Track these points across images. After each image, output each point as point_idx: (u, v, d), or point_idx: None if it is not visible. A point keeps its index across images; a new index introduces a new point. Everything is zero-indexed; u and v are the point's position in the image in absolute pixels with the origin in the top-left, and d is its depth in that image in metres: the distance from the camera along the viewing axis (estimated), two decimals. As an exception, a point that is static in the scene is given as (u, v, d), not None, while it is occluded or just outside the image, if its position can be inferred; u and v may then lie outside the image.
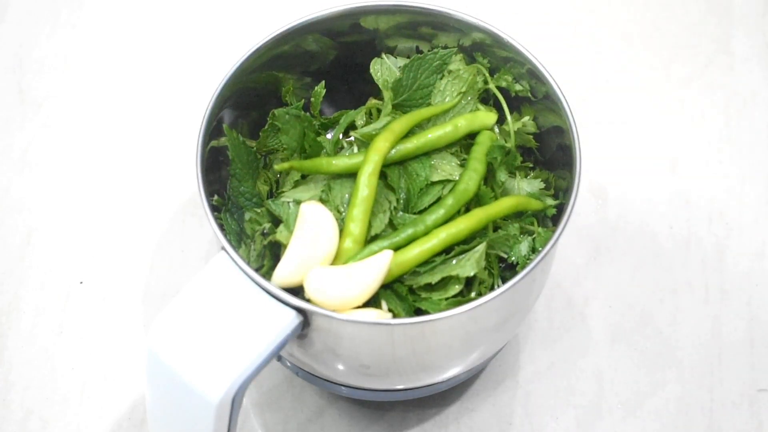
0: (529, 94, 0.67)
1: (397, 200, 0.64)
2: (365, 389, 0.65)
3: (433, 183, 0.65)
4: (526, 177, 0.68)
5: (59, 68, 0.87)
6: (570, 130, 0.62)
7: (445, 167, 0.66)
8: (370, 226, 0.62)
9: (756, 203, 0.80)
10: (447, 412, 0.71)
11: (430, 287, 0.62)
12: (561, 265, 0.76)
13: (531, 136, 0.68)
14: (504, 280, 0.63)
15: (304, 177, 0.66)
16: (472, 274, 0.61)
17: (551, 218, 0.66)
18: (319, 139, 0.67)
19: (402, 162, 0.65)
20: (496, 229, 0.65)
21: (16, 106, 0.85)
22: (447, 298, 0.61)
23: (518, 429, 0.70)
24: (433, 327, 0.57)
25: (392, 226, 0.63)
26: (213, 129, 0.64)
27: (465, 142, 0.68)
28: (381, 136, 0.64)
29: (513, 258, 0.64)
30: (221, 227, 0.62)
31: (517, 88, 0.67)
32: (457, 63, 0.68)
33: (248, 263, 0.57)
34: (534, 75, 0.65)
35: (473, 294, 0.63)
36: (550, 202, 0.66)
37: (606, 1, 0.91)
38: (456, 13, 0.66)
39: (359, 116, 0.69)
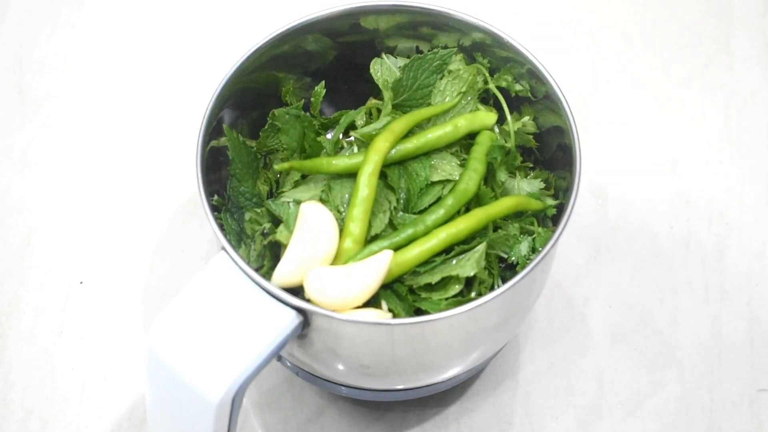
0: (529, 94, 0.67)
1: (397, 200, 0.64)
2: (365, 389, 0.65)
3: (433, 183, 0.65)
4: (526, 177, 0.68)
5: (59, 68, 0.87)
6: (570, 130, 0.62)
7: (445, 167, 0.66)
8: (370, 226, 0.62)
9: (756, 203, 0.80)
10: (447, 412, 0.71)
11: (430, 287, 0.62)
12: (561, 265, 0.76)
13: (531, 136, 0.68)
14: (504, 280, 0.63)
15: (304, 177, 0.66)
16: (472, 274, 0.61)
17: (551, 218, 0.66)
18: (319, 139, 0.67)
19: (402, 162, 0.65)
20: (496, 229, 0.65)
21: (16, 106, 0.85)
22: (447, 298, 0.61)
23: (518, 429, 0.70)
24: (433, 327, 0.57)
25: (392, 226, 0.63)
26: (213, 129, 0.64)
27: (465, 142, 0.68)
28: (381, 136, 0.64)
29: (513, 258, 0.64)
30: (221, 227, 0.62)
31: (517, 88, 0.67)
32: (457, 63, 0.68)
33: (248, 263, 0.57)
34: (534, 75, 0.65)
35: (473, 294, 0.63)
36: (550, 202, 0.66)
37: (606, 1, 0.91)
38: (456, 13, 0.66)
39: (359, 116, 0.69)
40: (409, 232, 0.62)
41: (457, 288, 0.62)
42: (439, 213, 0.63)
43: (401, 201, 0.64)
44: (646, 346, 0.73)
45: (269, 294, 0.56)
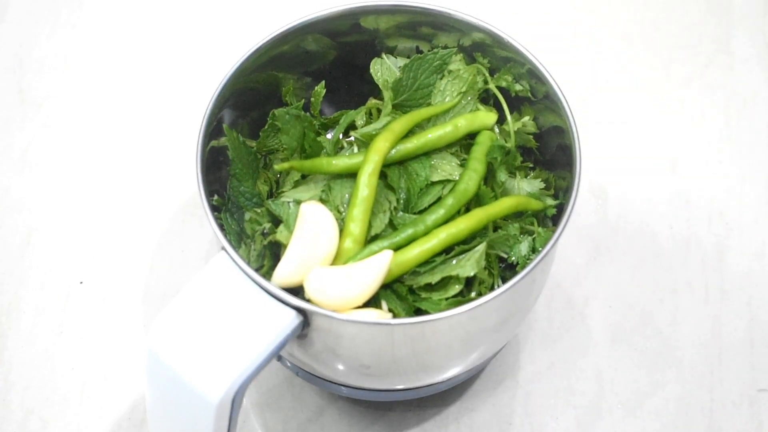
0: (529, 94, 0.67)
1: (397, 200, 0.64)
2: (365, 389, 0.65)
3: (433, 183, 0.65)
4: (526, 177, 0.68)
5: (59, 68, 0.87)
6: (570, 130, 0.62)
7: (445, 167, 0.66)
8: (370, 226, 0.62)
9: (756, 203, 0.80)
10: (447, 412, 0.71)
11: (430, 287, 0.62)
12: (561, 265, 0.76)
13: (531, 136, 0.68)
14: (504, 280, 0.63)
15: (304, 177, 0.66)
16: (472, 274, 0.61)
17: (551, 218, 0.66)
18: (319, 139, 0.67)
19: (402, 162, 0.65)
20: (496, 229, 0.65)
21: (16, 106, 0.85)
22: (447, 298, 0.61)
23: (518, 429, 0.70)
24: (433, 327, 0.57)
25: (392, 226, 0.63)
26: (213, 129, 0.64)
27: (465, 142, 0.68)
28: (381, 136, 0.64)
29: (513, 258, 0.64)
30: (221, 227, 0.62)
31: (517, 88, 0.67)
32: (457, 63, 0.68)
33: (248, 263, 0.57)
34: (534, 75, 0.65)
35: (473, 294, 0.63)
36: (550, 202, 0.66)
37: (606, 1, 0.91)
38: (456, 13, 0.66)
39: (359, 116, 0.69)
40: (409, 232, 0.62)
41: (457, 288, 0.62)
42: (439, 213, 0.63)
43: (401, 201, 0.64)
44: (646, 346, 0.73)
45: (269, 294, 0.56)
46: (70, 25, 0.89)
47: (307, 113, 0.68)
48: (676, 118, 0.84)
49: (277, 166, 0.64)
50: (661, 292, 0.76)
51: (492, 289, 0.63)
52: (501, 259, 0.65)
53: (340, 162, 0.64)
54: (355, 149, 0.67)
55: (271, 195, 0.67)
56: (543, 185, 0.67)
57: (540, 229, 0.65)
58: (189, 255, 0.77)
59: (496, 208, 0.63)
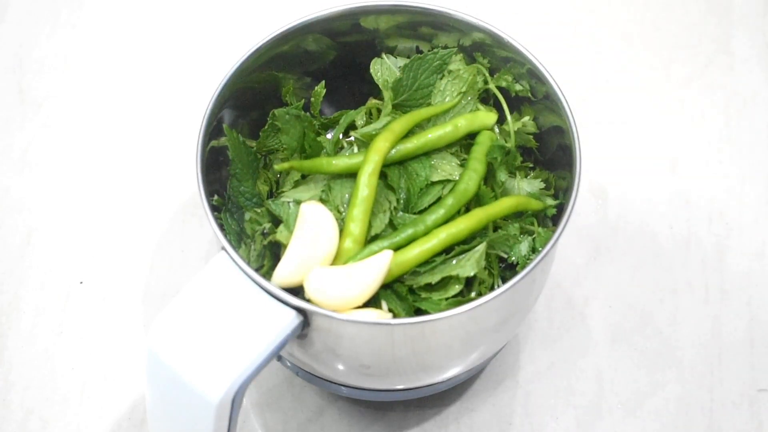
0: (529, 94, 0.67)
1: (397, 200, 0.64)
2: (365, 389, 0.65)
3: (433, 183, 0.65)
4: (526, 177, 0.68)
5: (59, 68, 0.87)
6: (570, 130, 0.62)
7: (445, 167, 0.66)
8: (370, 226, 0.62)
9: (756, 203, 0.80)
10: (447, 412, 0.71)
11: (430, 287, 0.62)
12: (561, 265, 0.76)
13: (531, 136, 0.68)
14: (504, 280, 0.63)
15: (304, 177, 0.66)
16: (472, 274, 0.61)
17: (551, 218, 0.66)
18: (319, 139, 0.67)
19: (402, 162, 0.65)
20: (496, 229, 0.65)
21: (16, 106, 0.85)
22: (447, 298, 0.61)
23: (518, 429, 0.70)
24: (433, 327, 0.57)
25: (392, 226, 0.63)
26: (213, 129, 0.64)
27: (465, 142, 0.68)
28: (381, 136, 0.64)
29: (513, 258, 0.64)
30: (221, 227, 0.62)
31: (517, 88, 0.67)
32: (457, 63, 0.68)
33: (248, 263, 0.57)
34: (534, 75, 0.65)
35: (473, 294, 0.63)
36: (550, 202, 0.66)
37: (606, 1, 0.91)
38: (456, 13, 0.66)
39: (359, 116, 0.69)
40: (409, 232, 0.62)
41: (457, 288, 0.62)
42: (439, 213, 0.63)
43: (401, 201, 0.64)
44: (646, 346, 0.73)
45: (269, 294, 0.56)
46: (70, 25, 0.89)
47: (307, 113, 0.68)
48: (676, 118, 0.84)
49: (277, 166, 0.64)
50: (661, 292, 0.76)
51: (492, 289, 0.63)
52: (501, 259, 0.65)
53: (340, 162, 0.64)
54: (355, 149, 0.67)
55: (271, 195, 0.67)
56: (543, 185, 0.67)
57: (540, 229, 0.65)
58: (189, 255, 0.77)
59: (496, 208, 0.63)
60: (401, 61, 0.69)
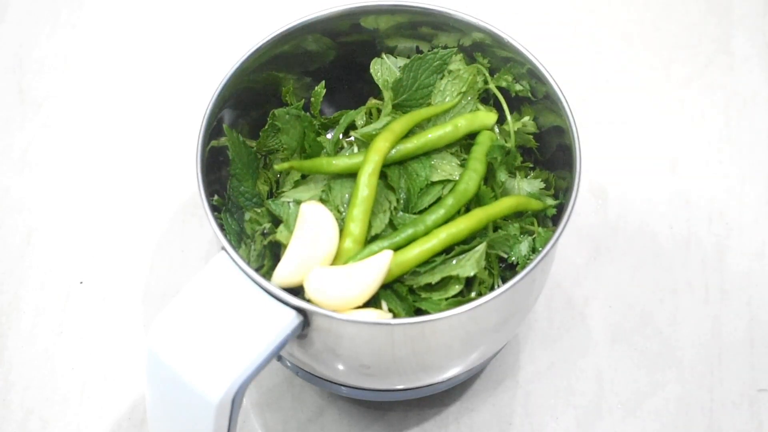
0: (529, 94, 0.67)
1: (397, 200, 0.64)
2: (365, 389, 0.65)
3: (433, 183, 0.65)
4: (526, 177, 0.68)
5: (59, 68, 0.87)
6: (570, 130, 0.62)
7: (445, 167, 0.66)
8: (370, 226, 0.62)
9: (756, 203, 0.80)
10: (447, 412, 0.71)
11: (430, 287, 0.62)
12: (561, 265, 0.76)
13: (531, 136, 0.68)
14: (504, 280, 0.63)
15: (304, 177, 0.66)
16: (472, 274, 0.61)
17: (551, 218, 0.66)
18: (319, 139, 0.67)
19: (402, 162, 0.65)
20: (496, 229, 0.65)
21: (16, 106, 0.85)
22: (447, 298, 0.61)
23: (518, 429, 0.70)
24: (433, 327, 0.57)
25: (392, 226, 0.63)
26: (213, 129, 0.64)
27: (465, 142, 0.68)
28: (381, 136, 0.64)
29: (513, 258, 0.64)
30: (221, 227, 0.62)
31: (517, 88, 0.67)
32: (457, 63, 0.68)
33: (248, 263, 0.57)
34: (534, 75, 0.65)
35: (473, 294, 0.63)
36: (550, 202, 0.66)
37: (606, 1, 0.91)
38: (456, 13, 0.66)
39: (359, 116, 0.69)
40: (409, 232, 0.62)
41: (457, 288, 0.62)
42: (439, 213, 0.63)
43: (401, 201, 0.64)
44: (646, 346, 0.73)
45: (269, 294, 0.56)
46: (70, 25, 0.89)
47: (307, 113, 0.68)
48: (676, 118, 0.84)
49: (277, 166, 0.64)
50: (661, 292, 0.76)
51: (492, 289, 0.63)
52: (501, 259, 0.65)
53: (340, 162, 0.64)
54: (355, 149, 0.67)
55: (271, 195, 0.67)
56: (543, 185, 0.67)
57: (540, 229, 0.65)
58: (189, 255, 0.77)
59: (496, 208, 0.63)
60: (401, 61, 0.69)
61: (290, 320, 0.56)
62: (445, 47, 0.68)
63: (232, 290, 0.57)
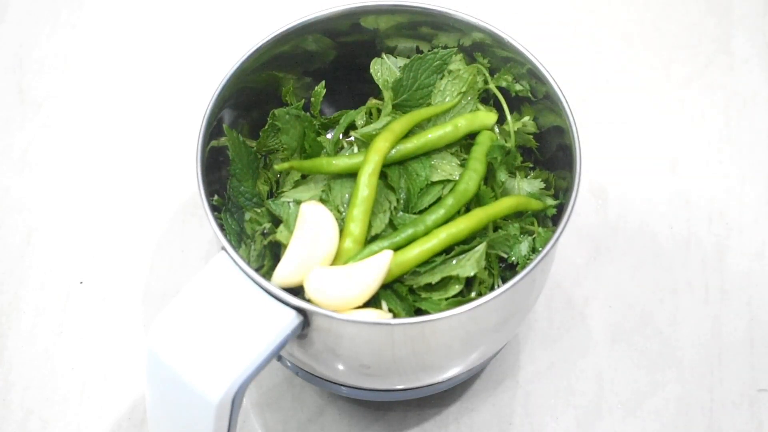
0: (529, 94, 0.67)
1: (397, 200, 0.64)
2: (365, 389, 0.65)
3: (433, 183, 0.65)
4: (526, 177, 0.68)
5: (59, 68, 0.87)
6: (570, 130, 0.62)
7: (445, 167, 0.66)
8: (370, 226, 0.62)
9: (756, 203, 0.80)
10: (447, 412, 0.71)
11: (430, 287, 0.62)
12: (561, 265, 0.76)
13: (531, 136, 0.68)
14: (504, 280, 0.63)
15: (304, 177, 0.66)
16: (472, 274, 0.61)
17: (551, 218, 0.66)
18: (319, 139, 0.67)
19: (402, 162, 0.65)
20: (496, 229, 0.65)
21: (16, 106, 0.85)
22: (447, 298, 0.61)
23: (518, 429, 0.70)
24: (433, 327, 0.57)
25: (392, 226, 0.63)
26: (213, 129, 0.64)
27: (465, 142, 0.68)
28: (381, 136, 0.64)
29: (513, 258, 0.64)
30: (221, 227, 0.62)
31: (517, 88, 0.67)
32: (457, 63, 0.68)
33: (248, 263, 0.57)
34: (534, 75, 0.65)
35: (473, 294, 0.63)
36: (550, 202, 0.66)
37: (606, 1, 0.91)
38: (456, 13, 0.66)
39: (359, 116, 0.69)
40: (409, 232, 0.62)
41: (457, 288, 0.62)
42: (439, 213, 0.63)
43: (401, 201, 0.64)
44: (646, 346, 0.73)
45: (269, 294, 0.56)
46: (70, 25, 0.89)
47: (307, 113, 0.68)
48: (676, 118, 0.84)
49: (277, 166, 0.64)
50: (661, 292, 0.76)
51: (492, 289, 0.63)
52: (501, 259, 0.65)
53: (340, 162, 0.64)
54: (355, 149, 0.67)
55: (271, 195, 0.67)
56: (543, 185, 0.67)
57: (540, 229, 0.65)
58: (189, 255, 0.77)
59: (496, 208, 0.63)
60: (401, 61, 0.69)
61: (290, 320, 0.56)
62: (445, 47, 0.68)
63: (232, 290, 0.57)
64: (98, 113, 0.85)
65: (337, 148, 0.68)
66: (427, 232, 0.62)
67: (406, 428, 0.70)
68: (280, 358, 0.66)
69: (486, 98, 0.69)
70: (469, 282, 0.63)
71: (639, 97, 0.85)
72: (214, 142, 0.64)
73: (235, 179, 0.66)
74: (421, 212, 0.64)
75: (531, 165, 0.69)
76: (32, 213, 0.79)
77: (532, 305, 0.65)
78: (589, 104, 0.84)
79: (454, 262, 0.62)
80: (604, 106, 0.84)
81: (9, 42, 0.88)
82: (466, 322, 0.58)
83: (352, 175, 0.64)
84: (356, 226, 0.61)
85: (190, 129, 0.66)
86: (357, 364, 0.61)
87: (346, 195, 0.64)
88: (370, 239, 0.62)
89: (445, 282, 0.62)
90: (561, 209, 0.64)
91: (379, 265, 0.59)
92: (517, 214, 0.66)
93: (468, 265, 0.61)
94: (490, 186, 0.66)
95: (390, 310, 0.60)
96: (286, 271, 0.59)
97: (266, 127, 0.67)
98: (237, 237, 0.64)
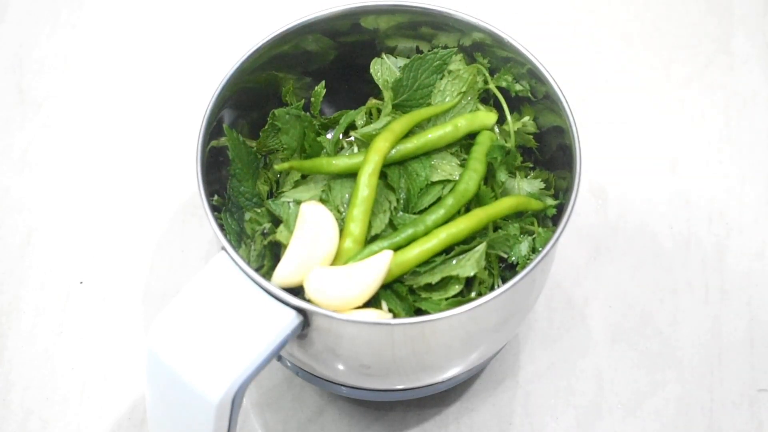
0: (529, 94, 0.67)
1: (397, 200, 0.64)
2: (365, 389, 0.65)
3: (433, 183, 0.65)
4: (526, 177, 0.68)
5: (59, 68, 0.87)
6: (570, 130, 0.62)
7: (445, 167, 0.66)
8: (370, 226, 0.62)
9: (756, 203, 0.80)
10: (447, 412, 0.71)
11: (430, 287, 0.62)
12: (561, 265, 0.76)
13: (531, 136, 0.68)
14: (504, 280, 0.63)
15: (304, 177, 0.66)
16: (472, 274, 0.61)
17: (551, 218, 0.66)
18: (319, 139, 0.67)
19: (402, 162, 0.65)
20: (496, 229, 0.65)
21: (16, 106, 0.85)
22: (447, 298, 0.61)
23: (518, 429, 0.70)
24: (433, 327, 0.57)
25: (392, 226, 0.63)
26: (213, 129, 0.64)
27: (465, 142, 0.68)
28: (381, 136, 0.64)
29: (513, 258, 0.64)
30: (221, 227, 0.62)
31: (517, 88, 0.67)
32: (457, 63, 0.68)
33: (248, 263, 0.57)
34: (534, 75, 0.65)
35: (473, 294, 0.63)
36: (550, 202, 0.66)
37: (606, 1, 0.91)
38: (456, 13, 0.66)
39: (359, 116, 0.69)
40: (409, 232, 0.62)
41: (457, 288, 0.62)
42: (439, 213, 0.63)
43: (401, 201, 0.64)
44: (646, 346, 0.73)
45: (269, 294, 0.56)
46: (70, 25, 0.89)
47: (307, 113, 0.68)
48: (676, 118, 0.84)
49: (277, 166, 0.64)
50: (661, 292, 0.76)
51: (492, 289, 0.63)
52: (501, 259, 0.65)
53: (340, 162, 0.64)
54: (355, 149, 0.67)
55: (271, 195, 0.67)
56: (543, 185, 0.67)
57: (540, 229, 0.65)
58: (189, 255, 0.77)
59: (496, 208, 0.63)
60: (401, 61, 0.69)
61: (290, 320, 0.56)
62: (445, 47, 0.68)
63: (232, 290, 0.57)
64: (98, 113, 0.85)
65: (337, 148, 0.68)
66: (427, 232, 0.62)
67: (406, 428, 0.70)
68: (280, 358, 0.66)
69: (486, 98, 0.69)
70: (469, 282, 0.63)
71: (639, 97, 0.85)
72: (214, 142, 0.64)
73: (235, 179, 0.66)
74: (421, 212, 0.64)
75: (531, 165, 0.69)
76: (32, 213, 0.79)
77: (532, 305, 0.65)
78: (588, 104, 0.84)
79: (454, 262, 0.62)
80: (604, 106, 0.84)
81: (9, 42, 0.88)
82: (466, 322, 0.58)
83: (352, 175, 0.64)
84: (356, 226, 0.61)
85: (190, 129, 0.66)
86: (357, 364, 0.61)
87: (346, 195, 0.64)
88: (370, 239, 0.62)
89: (445, 282, 0.62)
90: (561, 209, 0.64)
91: (379, 265, 0.59)
92: (517, 214, 0.66)
93: (468, 265, 0.61)
94: (490, 186, 0.66)
95: (390, 310, 0.60)
96: (286, 271, 0.59)
97: (266, 127, 0.67)
98: (237, 237, 0.64)
